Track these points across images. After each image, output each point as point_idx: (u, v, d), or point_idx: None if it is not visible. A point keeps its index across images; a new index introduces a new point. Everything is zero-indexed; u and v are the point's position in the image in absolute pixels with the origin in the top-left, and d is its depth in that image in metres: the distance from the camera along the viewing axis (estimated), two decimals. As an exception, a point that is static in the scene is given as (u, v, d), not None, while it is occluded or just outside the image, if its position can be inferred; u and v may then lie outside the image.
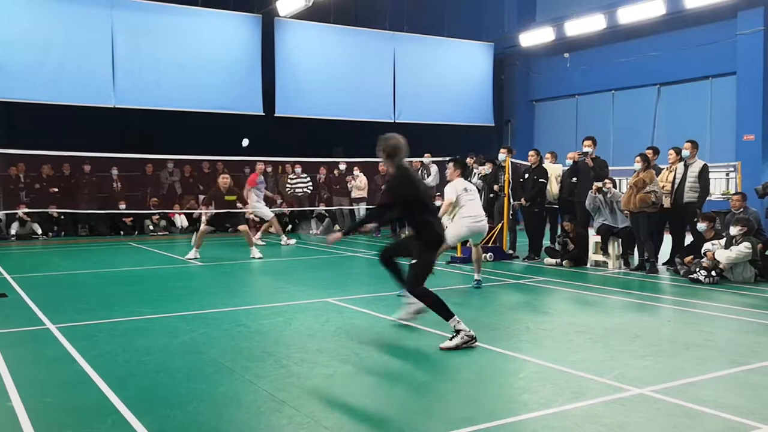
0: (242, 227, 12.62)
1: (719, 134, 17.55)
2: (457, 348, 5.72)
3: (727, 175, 17.48)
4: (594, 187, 10.87)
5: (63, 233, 16.81)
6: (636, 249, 11.04)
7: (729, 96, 17.25)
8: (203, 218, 12.86)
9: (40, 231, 16.22)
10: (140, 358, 5.47)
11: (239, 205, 13.02)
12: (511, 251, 12.33)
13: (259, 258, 12.26)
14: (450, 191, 8.80)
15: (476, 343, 5.79)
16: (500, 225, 12.21)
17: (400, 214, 6.25)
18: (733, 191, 13.80)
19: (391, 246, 6.66)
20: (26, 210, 15.87)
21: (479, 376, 5.02)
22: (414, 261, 6.10)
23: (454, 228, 8.66)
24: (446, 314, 5.85)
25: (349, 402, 4.54)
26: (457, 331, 5.80)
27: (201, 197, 17.05)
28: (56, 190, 16.84)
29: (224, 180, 12.89)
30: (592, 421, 4.04)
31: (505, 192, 12.11)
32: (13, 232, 15.83)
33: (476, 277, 9.16)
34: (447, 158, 15.67)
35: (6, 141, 16.07)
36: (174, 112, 17.67)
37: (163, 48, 17.44)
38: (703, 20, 17.54)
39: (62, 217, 16.85)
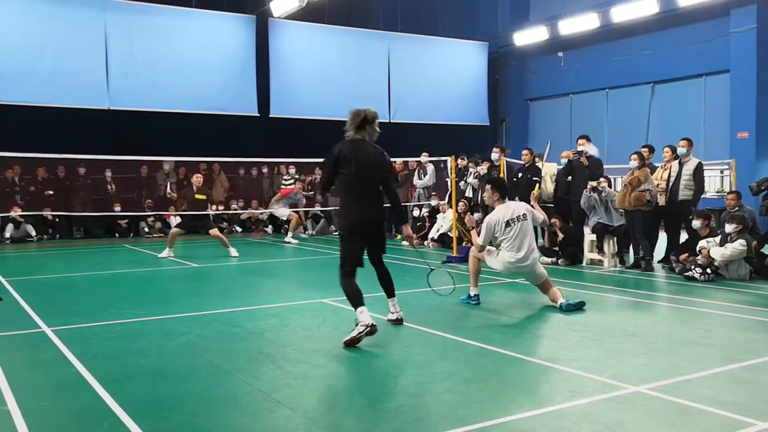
0: (213, 231, 12.93)
1: (713, 132, 17.60)
2: (354, 340, 5.72)
3: (722, 172, 17.52)
4: (589, 186, 10.89)
5: (58, 236, 16.77)
6: (631, 247, 11.06)
7: (723, 94, 17.30)
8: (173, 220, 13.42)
9: (34, 233, 16.17)
10: (136, 360, 5.46)
11: (210, 206, 13.44)
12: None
13: (236, 256, 12.55)
14: (485, 228, 7.40)
15: (373, 331, 5.74)
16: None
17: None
18: (727, 189, 13.83)
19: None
20: (20, 213, 15.81)
21: (476, 375, 5.02)
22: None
23: (498, 257, 7.50)
24: (355, 304, 5.90)
25: (345, 403, 4.54)
26: (357, 324, 5.81)
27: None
28: (51, 192, 16.78)
29: (198, 178, 13.20)
30: (588, 420, 4.04)
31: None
32: (7, 235, 15.78)
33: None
34: (443, 158, 15.80)
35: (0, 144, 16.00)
36: (168, 113, 17.65)
37: (157, 50, 17.42)
38: (696, 18, 17.59)
39: (57, 219, 16.81)
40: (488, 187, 7.55)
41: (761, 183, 11.02)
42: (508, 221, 7.20)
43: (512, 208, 7.34)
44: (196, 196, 12.91)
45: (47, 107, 16.34)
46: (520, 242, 7.21)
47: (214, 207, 14.58)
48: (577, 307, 7.26)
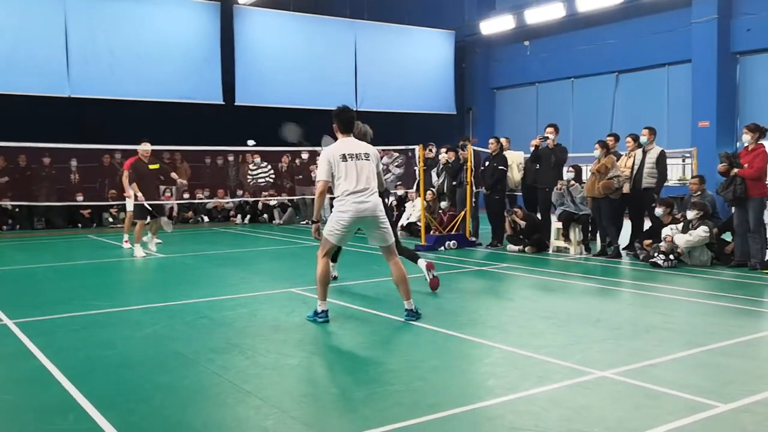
0: (164, 219, 12.14)
1: (676, 121, 17.90)
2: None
3: (684, 161, 17.84)
4: (560, 184, 11.03)
5: (18, 226, 16.38)
6: (597, 235, 11.22)
7: (685, 83, 17.59)
8: (129, 208, 11.90)
9: (-6, 224, 15.79)
10: (102, 352, 5.37)
11: (161, 177, 12.28)
12: (474, 238, 12.43)
13: (142, 256, 11.21)
14: (320, 165, 6.30)
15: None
16: (463, 212, 12.29)
17: None
18: (689, 177, 14.07)
19: None
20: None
21: (445, 362, 5.05)
22: None
23: (331, 217, 6.32)
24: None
25: (315, 392, 4.54)
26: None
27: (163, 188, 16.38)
28: (6, 179, 16.32)
29: (144, 145, 11.69)
30: (556, 405, 4.09)
31: (468, 180, 12.18)
32: (-35, 225, 15.39)
33: (406, 305, 6.38)
34: (410, 147, 15.78)
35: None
36: (131, 101, 17.33)
37: (120, 36, 17.09)
38: (659, 8, 17.84)
39: (17, 209, 16.42)
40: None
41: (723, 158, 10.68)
42: (344, 153, 6.16)
43: (350, 144, 6.32)
44: (150, 166, 11.73)
45: (4, 94, 15.90)
46: (357, 178, 6.14)
47: (180, 182, 13.27)
48: (416, 317, 6.35)
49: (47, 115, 17.53)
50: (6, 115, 16.68)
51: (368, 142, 6.74)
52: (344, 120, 6.38)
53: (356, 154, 6.20)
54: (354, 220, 6.16)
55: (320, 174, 6.22)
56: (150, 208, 11.65)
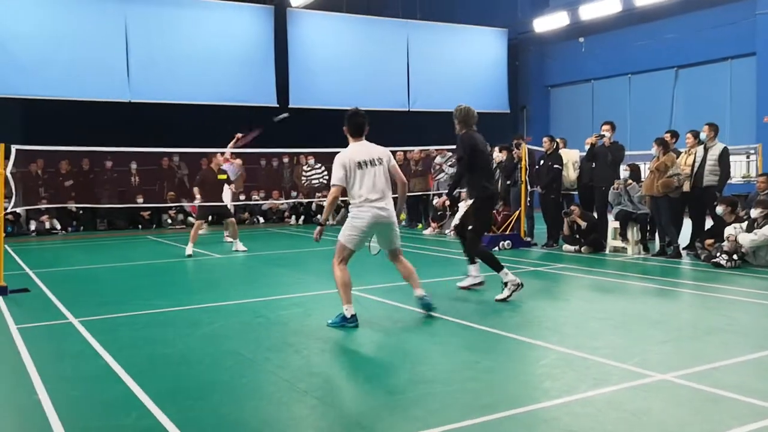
0: (231, 219, 12.60)
1: (739, 116, 17.32)
2: (507, 298, 7.05)
3: (748, 157, 17.25)
4: (616, 184, 10.82)
5: (81, 228, 16.95)
6: (656, 234, 10.96)
7: (749, 77, 17.01)
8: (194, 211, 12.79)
9: (59, 226, 16.36)
10: (162, 350, 5.52)
11: (225, 188, 13.00)
12: (529, 238, 12.29)
13: (244, 251, 12.02)
14: (335, 169, 6.23)
15: (521, 288, 7.13)
16: (518, 212, 12.17)
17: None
18: (753, 174, 13.61)
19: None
20: (47, 206, 15.97)
21: (500, 363, 5.01)
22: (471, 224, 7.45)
23: (348, 222, 6.33)
24: (497, 267, 7.22)
25: (369, 392, 4.55)
26: (505, 284, 7.10)
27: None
28: (71, 182, 16.90)
29: (220, 158, 12.75)
30: (614, 408, 4.02)
31: (522, 179, 12.06)
32: (32, 227, 15.99)
33: (417, 293, 6.52)
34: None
35: (23, 138, 16.14)
36: (188, 105, 17.72)
37: (177, 41, 17.53)
38: (720, 1, 17.29)
39: (81, 211, 16.99)
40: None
41: None
42: (359, 161, 6.18)
43: (363, 149, 6.33)
44: (219, 176, 12.49)
45: (66, 100, 16.48)
46: (373, 185, 6.18)
47: (233, 187, 14.10)
48: (429, 309, 6.51)
49: (108, 120, 18.06)
50: (70, 121, 17.28)
51: (473, 124, 7.46)
52: (354, 124, 6.38)
53: (371, 161, 6.23)
54: (372, 225, 6.23)
55: (335, 179, 6.23)
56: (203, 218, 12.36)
